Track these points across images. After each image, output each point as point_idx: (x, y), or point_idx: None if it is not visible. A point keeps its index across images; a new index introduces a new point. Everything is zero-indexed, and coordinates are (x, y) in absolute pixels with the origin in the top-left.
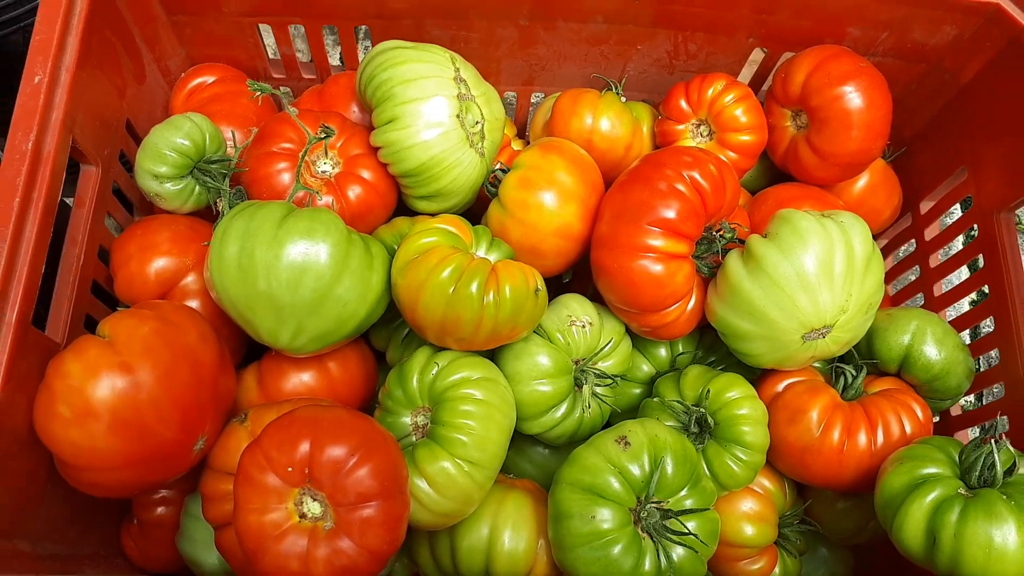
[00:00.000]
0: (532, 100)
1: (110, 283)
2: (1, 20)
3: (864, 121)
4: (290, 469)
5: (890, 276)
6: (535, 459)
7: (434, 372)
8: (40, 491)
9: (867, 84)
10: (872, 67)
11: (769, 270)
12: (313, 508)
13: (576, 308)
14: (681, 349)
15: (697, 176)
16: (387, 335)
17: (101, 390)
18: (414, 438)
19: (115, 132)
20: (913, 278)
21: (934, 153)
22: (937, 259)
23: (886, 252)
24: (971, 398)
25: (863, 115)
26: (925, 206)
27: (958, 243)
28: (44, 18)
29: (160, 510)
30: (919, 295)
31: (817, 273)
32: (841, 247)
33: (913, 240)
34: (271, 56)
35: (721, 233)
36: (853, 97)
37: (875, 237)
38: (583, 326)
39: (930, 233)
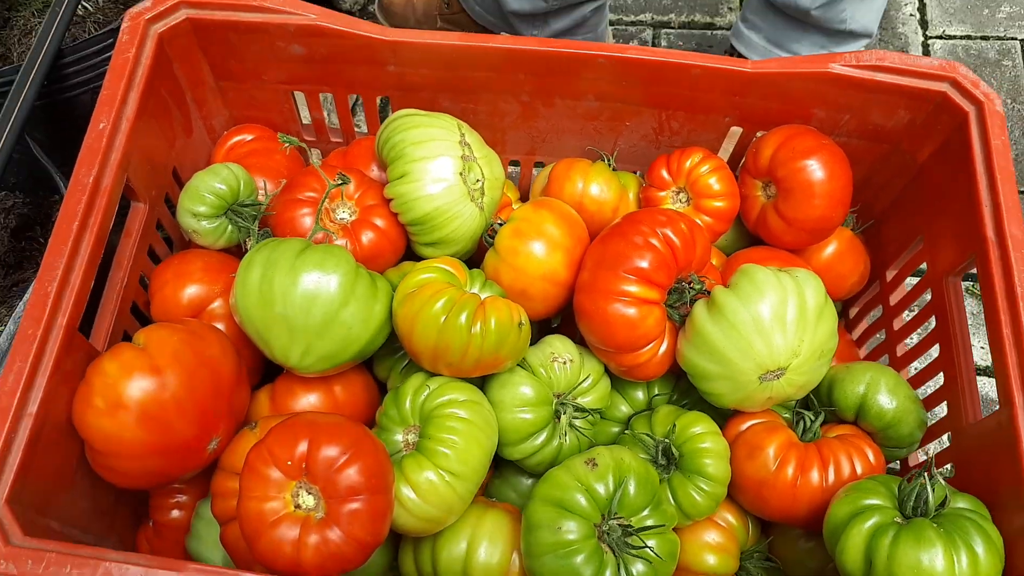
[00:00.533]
0: (535, 172)
1: (147, 307)
2: (74, 83)
3: (825, 191)
4: (289, 463)
5: (862, 339)
6: (519, 489)
7: (425, 394)
8: (71, 482)
9: (827, 158)
10: (833, 144)
11: (729, 316)
12: (307, 500)
13: (559, 346)
14: (657, 391)
15: (669, 233)
16: (389, 365)
17: (133, 387)
18: (404, 452)
19: (163, 176)
20: (882, 339)
21: (898, 227)
22: (902, 320)
23: (859, 317)
24: (944, 443)
25: (824, 185)
26: (890, 274)
27: (917, 307)
28: (112, 76)
29: (174, 513)
30: (885, 356)
31: (771, 319)
32: (794, 297)
33: (880, 306)
34: (304, 121)
35: (691, 284)
36: (815, 169)
37: (849, 304)
38: (564, 363)
39: (895, 299)
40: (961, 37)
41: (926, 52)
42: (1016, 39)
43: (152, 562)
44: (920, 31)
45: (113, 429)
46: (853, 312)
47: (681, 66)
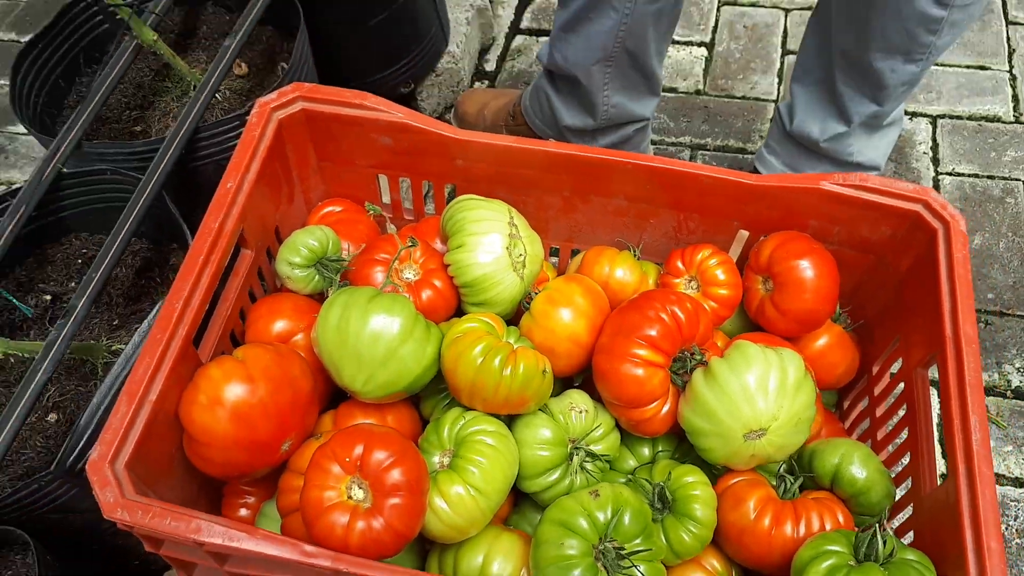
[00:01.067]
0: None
1: (243, 336)
2: (201, 155)
3: (814, 287)
4: (347, 460)
5: (853, 426)
6: (533, 522)
7: (461, 424)
8: (168, 469)
9: (817, 260)
10: (823, 248)
11: (721, 382)
12: (358, 493)
13: (577, 398)
14: (660, 448)
15: (676, 310)
16: (433, 403)
17: (230, 390)
18: (439, 471)
19: (268, 232)
20: (867, 425)
21: (884, 329)
22: (883, 408)
23: (851, 407)
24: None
25: (813, 282)
26: (875, 368)
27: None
28: (240, 148)
29: (242, 512)
30: (870, 440)
31: (756, 387)
32: (777, 371)
33: (867, 397)
34: (384, 200)
35: (693, 355)
36: (806, 268)
37: (843, 396)
38: (581, 412)
39: (878, 390)
40: (969, 175)
41: (936, 186)
42: (1019, 180)
43: (231, 524)
44: (932, 167)
45: (210, 422)
46: (846, 403)
47: (695, 175)
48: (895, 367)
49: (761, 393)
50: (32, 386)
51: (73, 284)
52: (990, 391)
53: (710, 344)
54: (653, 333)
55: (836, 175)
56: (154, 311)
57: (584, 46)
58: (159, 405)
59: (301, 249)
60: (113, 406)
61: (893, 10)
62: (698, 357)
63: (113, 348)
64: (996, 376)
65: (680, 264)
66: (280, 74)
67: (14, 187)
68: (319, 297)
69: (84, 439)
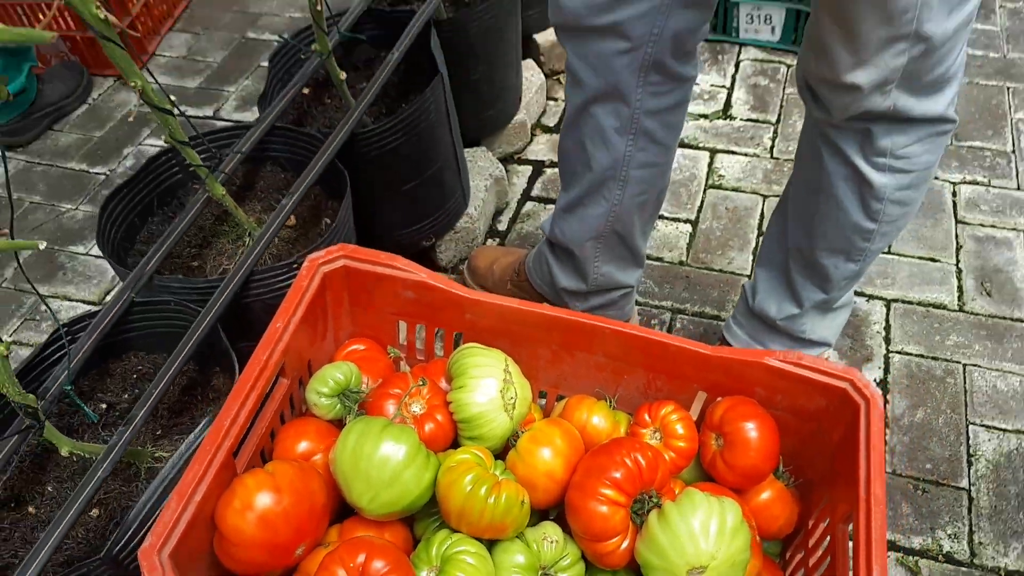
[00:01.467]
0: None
1: (271, 453)
2: (250, 294)
3: (757, 447)
4: (351, 566)
5: (792, 574)
6: None
7: (447, 543)
8: (198, 564)
9: (760, 423)
10: (766, 413)
11: (671, 523)
12: None
13: (550, 530)
14: None
15: (639, 457)
16: (425, 525)
17: (260, 498)
18: None
19: (302, 364)
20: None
21: (820, 488)
22: (814, 558)
23: (792, 557)
24: None
25: (757, 442)
26: (811, 523)
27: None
28: (290, 294)
29: None
30: None
31: (699, 529)
32: (717, 516)
33: (804, 549)
34: (401, 341)
35: (651, 498)
36: (750, 430)
37: (786, 548)
38: (552, 542)
39: (812, 542)
40: (916, 355)
41: (887, 363)
42: (959, 362)
43: None
44: (884, 346)
45: (240, 524)
46: (788, 553)
47: (663, 344)
48: (826, 523)
49: (703, 535)
50: (92, 482)
51: (126, 396)
52: (923, 554)
53: (667, 489)
54: (618, 475)
55: (778, 352)
56: (202, 424)
57: (579, 226)
58: (201, 506)
59: (329, 381)
60: (157, 505)
61: (833, 220)
62: (655, 500)
63: (156, 455)
64: (930, 541)
65: (647, 416)
66: (323, 227)
67: (92, 310)
68: (338, 423)
69: (129, 532)
